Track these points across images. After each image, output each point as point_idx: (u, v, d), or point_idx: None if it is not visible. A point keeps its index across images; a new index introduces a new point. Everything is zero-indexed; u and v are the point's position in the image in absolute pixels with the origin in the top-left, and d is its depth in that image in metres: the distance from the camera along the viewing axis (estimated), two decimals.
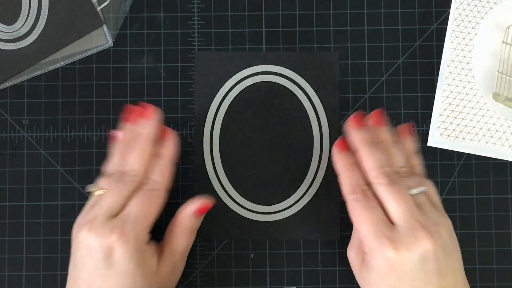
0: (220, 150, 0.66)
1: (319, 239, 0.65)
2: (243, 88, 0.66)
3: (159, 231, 0.65)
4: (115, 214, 0.55)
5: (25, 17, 0.65)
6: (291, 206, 0.65)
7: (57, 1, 0.66)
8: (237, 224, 0.65)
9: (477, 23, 0.65)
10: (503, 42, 0.65)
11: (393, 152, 0.58)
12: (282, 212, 0.65)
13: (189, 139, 0.66)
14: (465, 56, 0.65)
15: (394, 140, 0.59)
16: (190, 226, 0.60)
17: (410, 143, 0.60)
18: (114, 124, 0.66)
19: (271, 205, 0.65)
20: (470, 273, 0.65)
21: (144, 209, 0.56)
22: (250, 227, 0.65)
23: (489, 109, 0.64)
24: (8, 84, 0.66)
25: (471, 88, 0.65)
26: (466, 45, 0.65)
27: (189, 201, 0.60)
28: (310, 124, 0.66)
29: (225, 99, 0.66)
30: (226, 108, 0.66)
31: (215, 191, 0.65)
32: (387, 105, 0.66)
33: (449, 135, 0.64)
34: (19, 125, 0.66)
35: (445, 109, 0.65)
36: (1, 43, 0.66)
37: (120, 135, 0.59)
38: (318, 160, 0.66)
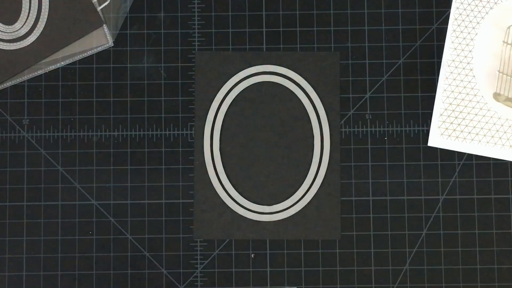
0: (220, 150, 0.66)
1: (319, 239, 0.65)
2: (243, 88, 0.66)
3: (159, 230, 0.66)
4: None
5: (25, 17, 0.65)
6: (291, 206, 0.65)
7: (57, 1, 0.65)
8: (237, 224, 0.65)
9: (478, 23, 0.65)
10: (503, 42, 0.65)
11: None
12: (282, 212, 0.65)
13: (189, 139, 0.66)
14: (465, 56, 0.65)
15: None
16: None
17: None
18: (114, 124, 0.66)
19: (271, 205, 0.65)
20: (471, 273, 0.65)
21: None
22: (250, 227, 0.65)
23: (489, 109, 0.64)
24: (8, 84, 0.66)
25: (472, 88, 0.65)
26: (467, 45, 0.65)
27: None
28: (310, 124, 0.66)
29: (225, 99, 0.66)
30: (226, 108, 0.66)
31: (215, 191, 0.65)
32: (388, 105, 0.66)
33: (449, 135, 0.64)
34: (19, 125, 0.66)
35: (445, 109, 0.65)
36: (1, 43, 0.66)
37: None
38: (318, 160, 0.66)
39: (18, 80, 0.66)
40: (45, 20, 0.65)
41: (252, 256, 0.65)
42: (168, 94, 0.66)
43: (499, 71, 0.65)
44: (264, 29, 0.67)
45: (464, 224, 0.65)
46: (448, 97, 0.65)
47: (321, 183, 0.65)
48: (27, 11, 0.65)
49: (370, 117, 0.66)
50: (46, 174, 0.66)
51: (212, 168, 0.66)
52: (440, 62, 0.65)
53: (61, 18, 0.66)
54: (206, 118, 0.66)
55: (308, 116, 0.66)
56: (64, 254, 0.65)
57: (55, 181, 0.66)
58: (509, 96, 0.65)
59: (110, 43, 0.66)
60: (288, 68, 0.66)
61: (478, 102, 0.65)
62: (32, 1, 0.65)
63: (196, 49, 0.67)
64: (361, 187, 0.66)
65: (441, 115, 0.65)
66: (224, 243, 0.65)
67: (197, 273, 0.65)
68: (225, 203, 0.65)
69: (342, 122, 0.66)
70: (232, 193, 0.65)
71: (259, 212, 0.65)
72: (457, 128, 0.64)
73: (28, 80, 0.66)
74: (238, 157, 0.66)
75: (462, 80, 0.65)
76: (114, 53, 0.67)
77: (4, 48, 0.66)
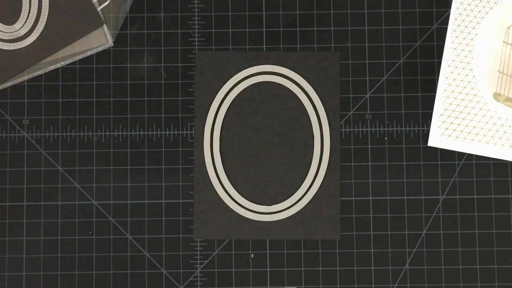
0: (220, 150, 0.66)
1: (319, 239, 0.65)
2: (243, 88, 0.66)
3: (159, 230, 0.66)
4: None
5: (25, 17, 0.65)
6: (291, 206, 0.65)
7: (57, 1, 0.65)
8: (237, 224, 0.65)
9: (478, 23, 0.65)
10: (503, 42, 0.65)
11: None
12: (282, 212, 0.65)
13: (189, 139, 0.66)
14: (465, 56, 0.65)
15: None
16: None
17: None
18: (114, 124, 0.66)
19: (271, 205, 0.65)
20: (470, 273, 0.65)
21: None
22: (250, 227, 0.65)
23: (489, 109, 0.64)
24: (8, 84, 0.66)
25: (472, 88, 0.65)
26: (467, 45, 0.65)
27: None
28: (310, 124, 0.66)
29: (226, 99, 0.66)
30: (226, 108, 0.66)
31: (215, 191, 0.65)
32: (388, 105, 0.66)
33: (449, 135, 0.64)
34: (19, 125, 0.66)
35: (445, 109, 0.65)
36: (1, 43, 0.66)
37: None
38: (318, 160, 0.66)
39: (18, 80, 0.66)
40: (45, 20, 0.65)
41: (252, 256, 0.65)
42: (168, 94, 0.66)
43: (499, 71, 0.65)
44: (264, 29, 0.67)
45: (464, 224, 0.65)
46: (448, 97, 0.65)
47: (321, 183, 0.65)
48: (27, 11, 0.65)
49: (370, 117, 0.66)
50: (46, 174, 0.66)
51: (212, 168, 0.66)
52: (440, 62, 0.65)
53: (61, 18, 0.66)
54: (206, 118, 0.66)
55: (308, 116, 0.66)
56: (64, 254, 0.65)
57: (55, 181, 0.66)
58: (509, 96, 0.65)
59: (110, 43, 0.66)
60: (288, 68, 0.66)
61: (478, 102, 0.65)
62: (32, 1, 0.65)
63: (196, 49, 0.67)
64: (361, 187, 0.66)
65: (441, 115, 0.65)
66: (224, 243, 0.65)
67: (197, 273, 0.65)
68: (225, 203, 0.65)
69: (342, 122, 0.66)
70: (232, 193, 0.65)
71: (259, 212, 0.65)
72: (457, 128, 0.64)
73: (28, 80, 0.66)
74: (238, 157, 0.66)
75: (462, 80, 0.65)
76: (114, 53, 0.67)
77: (4, 48, 0.66)
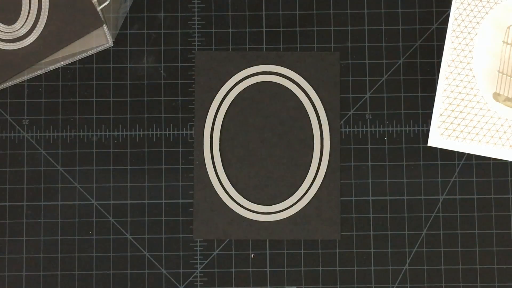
0: (220, 150, 0.66)
1: (319, 239, 0.65)
2: (243, 88, 0.66)
3: (159, 230, 0.66)
4: None
5: (25, 17, 0.65)
6: (291, 206, 0.65)
7: (57, 1, 0.65)
8: (237, 224, 0.65)
9: (478, 23, 0.65)
10: (503, 42, 0.65)
11: None
12: (282, 212, 0.65)
13: (189, 139, 0.66)
14: (465, 56, 0.65)
15: None
16: None
17: None
18: (114, 124, 0.66)
19: (271, 205, 0.65)
20: (470, 273, 0.65)
21: None
22: (250, 227, 0.65)
23: (489, 109, 0.64)
24: (8, 84, 0.66)
25: (472, 88, 0.65)
26: (467, 45, 0.65)
27: None
28: (310, 124, 0.66)
29: (225, 99, 0.66)
30: (226, 108, 0.66)
31: (215, 191, 0.65)
32: (388, 105, 0.66)
33: (449, 135, 0.64)
34: (19, 125, 0.66)
35: (445, 109, 0.65)
36: (1, 43, 0.66)
37: None
38: (318, 160, 0.66)
39: (18, 80, 0.66)
40: (45, 20, 0.65)
41: (252, 256, 0.65)
42: (168, 94, 0.66)
43: (499, 71, 0.65)
44: (264, 29, 0.67)
45: (464, 224, 0.65)
46: (448, 97, 0.65)
47: (321, 183, 0.65)
48: (27, 11, 0.65)
49: (370, 117, 0.66)
50: (46, 174, 0.66)
51: (212, 168, 0.66)
52: (440, 62, 0.65)
53: (61, 18, 0.66)
54: (206, 118, 0.66)
55: (308, 116, 0.66)
56: (64, 254, 0.65)
57: (55, 181, 0.66)
58: (509, 96, 0.65)
59: (110, 43, 0.66)
60: (288, 68, 0.66)
61: (478, 102, 0.65)
62: (32, 1, 0.65)
63: (196, 49, 0.67)
64: (361, 187, 0.66)
65: (441, 115, 0.65)
66: (224, 243, 0.65)
67: (197, 273, 0.65)
68: (225, 203, 0.65)
69: (342, 122, 0.66)
70: (232, 193, 0.65)
71: (259, 212, 0.65)
72: (457, 128, 0.64)
73: (28, 80, 0.66)
74: (238, 157, 0.66)
75: (462, 80, 0.65)
76: (114, 53, 0.67)
77: (4, 48, 0.66)
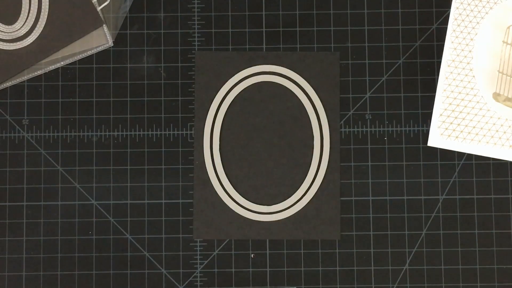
0: (220, 150, 0.66)
1: (319, 239, 0.65)
2: (243, 88, 0.66)
3: (159, 230, 0.66)
4: None
5: (25, 17, 0.65)
6: (291, 206, 0.65)
7: (57, 1, 0.65)
8: (237, 224, 0.65)
9: (478, 23, 0.65)
10: (503, 42, 0.65)
11: None
12: (282, 212, 0.65)
13: (189, 139, 0.66)
14: (465, 56, 0.65)
15: None
16: None
17: None
18: (114, 124, 0.66)
19: (271, 205, 0.65)
20: (470, 273, 0.65)
21: None
22: (250, 227, 0.65)
23: (489, 109, 0.64)
24: (8, 84, 0.66)
25: (472, 88, 0.65)
26: (467, 45, 0.65)
27: None
28: (310, 124, 0.66)
29: (225, 99, 0.66)
30: (226, 108, 0.66)
31: (215, 191, 0.65)
32: (388, 105, 0.66)
33: (449, 135, 0.64)
34: (19, 125, 0.66)
35: (445, 109, 0.65)
36: (1, 43, 0.66)
37: None
38: (318, 160, 0.66)
39: (18, 80, 0.66)
40: (45, 20, 0.65)
41: (252, 256, 0.65)
42: (168, 94, 0.66)
43: (499, 71, 0.65)
44: (264, 29, 0.67)
45: (463, 224, 0.65)
46: (448, 97, 0.65)
47: (321, 183, 0.65)
48: (27, 11, 0.65)
49: (370, 117, 0.66)
50: (46, 174, 0.66)
51: (212, 168, 0.66)
52: (440, 62, 0.65)
53: (61, 18, 0.66)
54: (206, 118, 0.66)
55: (308, 116, 0.66)
56: (64, 254, 0.65)
57: (55, 181, 0.66)
58: (509, 96, 0.65)
59: (110, 43, 0.66)
60: (288, 68, 0.66)
61: (478, 102, 0.65)
62: (32, 1, 0.65)
63: (196, 49, 0.67)
64: (361, 187, 0.66)
65: (441, 115, 0.65)
66: (224, 243, 0.65)
67: (197, 273, 0.65)
68: (225, 203, 0.65)
69: (342, 122, 0.66)
70: (232, 193, 0.65)
71: (259, 212, 0.65)
72: (457, 128, 0.64)
73: (28, 80, 0.66)
74: (238, 157, 0.66)
75: (462, 80, 0.65)
76: (114, 53, 0.67)
77: (4, 48, 0.66)
